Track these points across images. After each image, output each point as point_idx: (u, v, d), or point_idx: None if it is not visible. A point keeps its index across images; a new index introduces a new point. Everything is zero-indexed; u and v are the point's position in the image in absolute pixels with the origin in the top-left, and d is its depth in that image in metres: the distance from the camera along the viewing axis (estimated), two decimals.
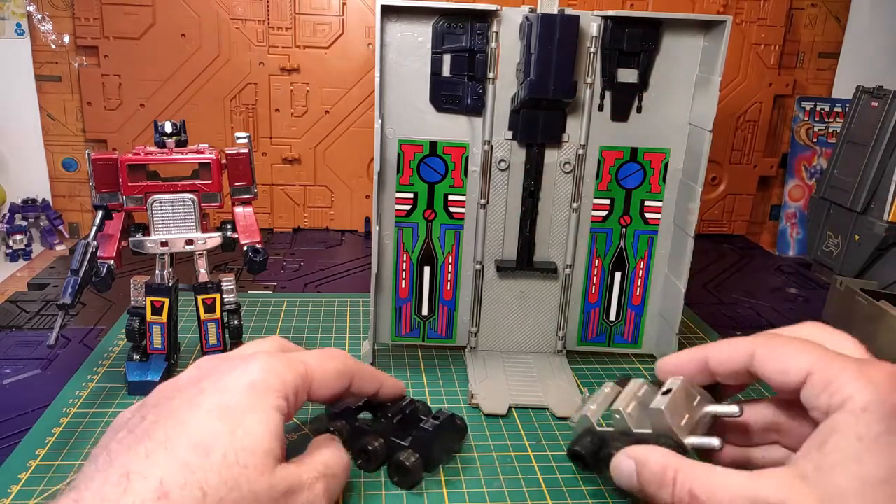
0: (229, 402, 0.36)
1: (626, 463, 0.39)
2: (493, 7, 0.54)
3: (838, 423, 0.31)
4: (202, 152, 0.54)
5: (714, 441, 0.39)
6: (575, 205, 0.60)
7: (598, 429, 0.45)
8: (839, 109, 1.06)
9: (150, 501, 0.31)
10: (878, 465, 0.30)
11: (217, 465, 0.33)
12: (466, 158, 0.59)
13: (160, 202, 0.54)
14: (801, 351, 0.35)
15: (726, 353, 0.39)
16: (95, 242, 0.50)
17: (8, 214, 0.97)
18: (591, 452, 0.45)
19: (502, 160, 0.59)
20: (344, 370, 0.43)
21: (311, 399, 0.41)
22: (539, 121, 0.57)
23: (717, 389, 0.43)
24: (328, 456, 0.40)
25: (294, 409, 0.39)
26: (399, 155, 0.58)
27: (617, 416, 0.43)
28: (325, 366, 0.41)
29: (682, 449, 0.39)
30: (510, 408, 0.55)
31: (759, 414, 0.41)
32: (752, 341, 0.38)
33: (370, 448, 0.46)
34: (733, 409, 0.40)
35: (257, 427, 0.35)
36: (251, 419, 0.36)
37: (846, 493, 0.29)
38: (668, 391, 0.40)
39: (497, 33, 0.55)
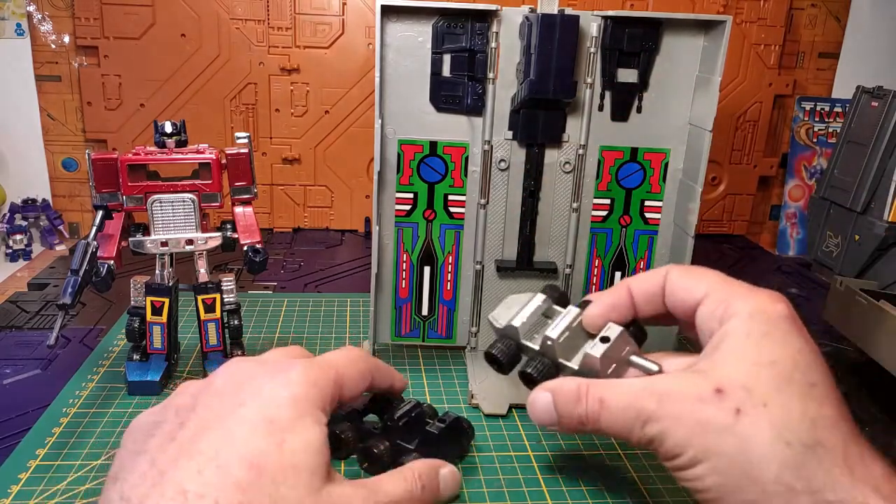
0: (273, 416, 0.35)
1: (542, 396, 0.41)
2: (493, 7, 0.54)
3: (728, 328, 0.36)
4: (202, 152, 0.54)
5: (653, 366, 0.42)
6: (575, 205, 0.60)
7: (523, 342, 0.45)
8: (839, 109, 1.06)
9: None
10: (764, 353, 0.35)
11: (268, 487, 0.32)
12: (466, 158, 0.59)
13: (160, 202, 0.54)
14: (704, 273, 0.40)
15: (644, 277, 0.43)
16: (95, 242, 0.50)
17: (8, 214, 0.97)
18: (509, 361, 0.46)
19: (502, 160, 0.59)
20: (366, 369, 0.42)
21: (341, 402, 0.40)
22: (539, 121, 0.57)
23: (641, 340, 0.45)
24: (390, 486, 0.38)
25: (330, 413, 0.39)
26: (399, 155, 0.58)
27: (549, 342, 0.43)
28: (350, 369, 0.41)
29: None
30: (510, 408, 0.55)
31: (675, 364, 0.43)
32: (665, 267, 0.43)
33: (375, 451, 0.45)
34: (653, 365, 0.42)
35: (303, 444, 0.34)
36: (297, 436, 0.34)
37: (735, 375, 0.34)
38: (606, 339, 0.42)
39: (497, 33, 0.55)
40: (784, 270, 0.95)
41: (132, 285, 0.56)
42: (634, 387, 0.38)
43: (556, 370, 0.43)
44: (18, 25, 0.95)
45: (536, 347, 0.44)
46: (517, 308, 0.46)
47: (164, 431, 0.35)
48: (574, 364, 0.43)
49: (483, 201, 0.59)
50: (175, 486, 0.31)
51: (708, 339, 0.38)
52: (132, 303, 0.56)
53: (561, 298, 0.47)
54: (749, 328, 0.36)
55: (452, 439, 0.47)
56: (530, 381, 0.43)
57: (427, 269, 0.61)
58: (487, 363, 0.47)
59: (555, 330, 0.44)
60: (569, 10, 0.53)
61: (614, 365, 0.42)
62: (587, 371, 0.42)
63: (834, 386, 0.36)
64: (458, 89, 0.57)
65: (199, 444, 0.33)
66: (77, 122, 0.99)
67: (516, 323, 0.45)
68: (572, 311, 0.45)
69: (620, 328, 0.43)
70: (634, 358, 0.43)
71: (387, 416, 0.47)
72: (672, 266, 0.43)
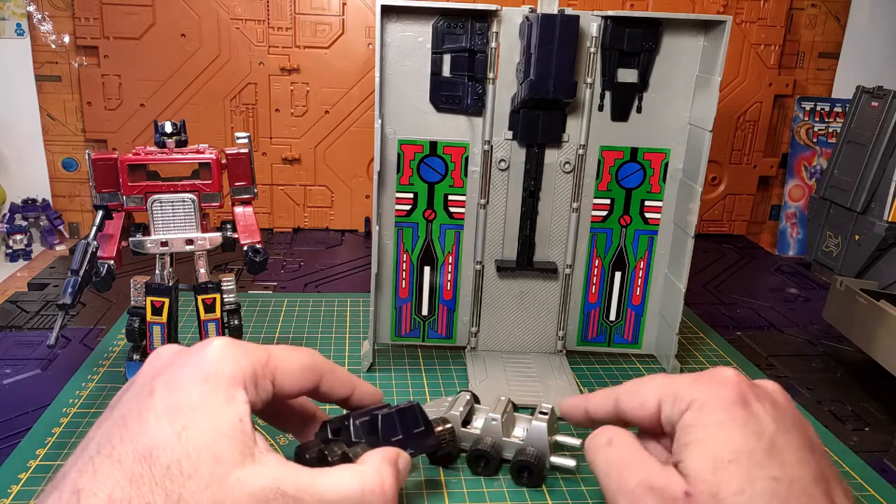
0: (179, 401, 0.33)
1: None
2: (493, 7, 0.54)
3: (686, 421, 0.36)
4: (202, 152, 0.54)
5: (570, 462, 0.47)
6: (575, 205, 0.60)
7: (462, 429, 0.49)
8: (839, 109, 1.06)
9: None
10: (724, 450, 0.34)
11: (161, 478, 0.31)
12: (466, 158, 0.59)
13: (160, 202, 0.53)
14: (649, 383, 0.40)
15: (597, 403, 0.43)
16: (95, 242, 0.50)
17: (8, 214, 0.97)
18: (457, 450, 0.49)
19: (502, 160, 0.59)
20: (311, 364, 0.39)
21: (277, 393, 0.38)
22: (539, 121, 0.57)
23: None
24: (336, 484, 0.34)
25: (260, 400, 0.36)
26: (399, 155, 0.58)
27: (493, 421, 0.48)
28: (289, 357, 0.39)
29: (541, 462, 0.47)
30: None
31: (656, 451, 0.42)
32: (613, 388, 0.42)
33: (307, 456, 0.40)
34: (575, 441, 0.48)
35: (206, 426, 0.32)
36: (200, 417, 0.32)
37: (702, 476, 0.33)
38: (545, 413, 0.48)
39: (497, 33, 0.55)
40: (784, 270, 0.95)
41: (132, 285, 0.56)
42: (631, 469, 0.37)
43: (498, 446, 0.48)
44: (18, 25, 0.95)
45: (476, 431, 0.49)
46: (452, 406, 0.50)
47: (84, 440, 0.34)
48: (518, 440, 0.48)
49: (483, 201, 0.59)
50: (70, 486, 0.31)
51: (675, 438, 0.37)
52: (132, 303, 0.56)
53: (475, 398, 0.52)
54: (702, 421, 0.35)
55: (406, 426, 0.42)
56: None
57: (427, 269, 0.61)
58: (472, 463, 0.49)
59: (496, 410, 0.49)
60: (569, 10, 0.53)
61: (549, 437, 0.47)
62: (532, 442, 0.47)
63: (802, 459, 0.34)
64: (458, 89, 0.57)
65: (103, 446, 0.32)
66: (77, 122, 0.99)
67: (448, 415, 0.49)
68: (501, 401, 0.50)
69: (552, 405, 0.49)
70: (559, 437, 0.48)
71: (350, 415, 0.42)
72: (619, 388, 0.41)
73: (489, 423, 0.48)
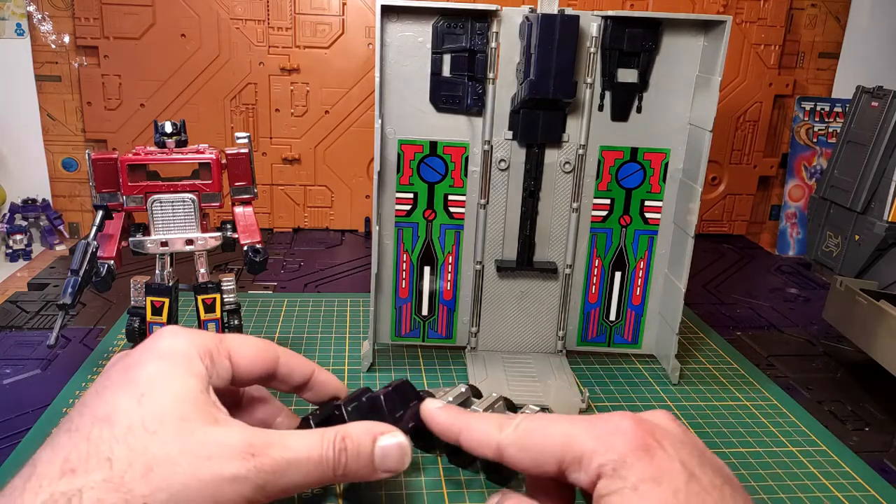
0: (135, 377, 0.34)
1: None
2: (493, 7, 0.54)
3: (601, 491, 0.31)
4: (202, 152, 0.54)
5: None
6: (575, 205, 0.60)
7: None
8: (839, 109, 1.06)
9: (55, 479, 0.30)
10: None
11: (122, 435, 0.31)
12: (466, 158, 0.59)
13: (160, 202, 0.54)
14: (540, 437, 0.34)
15: (475, 437, 0.36)
16: (95, 242, 0.50)
17: (8, 214, 0.97)
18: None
19: (502, 160, 0.59)
20: (265, 346, 0.40)
21: (236, 376, 0.38)
22: (539, 121, 0.57)
23: None
24: (295, 441, 0.34)
25: (218, 377, 0.36)
26: (399, 155, 0.58)
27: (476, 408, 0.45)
28: (243, 340, 0.39)
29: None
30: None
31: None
32: (494, 424, 0.36)
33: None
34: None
35: (166, 393, 0.33)
36: (159, 387, 0.33)
37: None
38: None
39: (497, 33, 0.55)
40: (784, 270, 0.95)
41: (132, 285, 0.56)
42: None
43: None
44: (18, 25, 0.95)
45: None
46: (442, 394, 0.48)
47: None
48: None
49: (483, 201, 0.59)
50: (30, 464, 0.31)
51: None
52: (132, 303, 0.56)
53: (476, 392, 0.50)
54: (621, 491, 0.31)
55: (404, 402, 0.41)
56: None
57: (427, 269, 0.61)
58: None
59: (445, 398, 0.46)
60: (569, 10, 0.53)
61: None
62: None
63: (722, 496, 0.31)
64: (458, 89, 0.57)
65: (62, 425, 0.33)
66: (77, 122, 0.99)
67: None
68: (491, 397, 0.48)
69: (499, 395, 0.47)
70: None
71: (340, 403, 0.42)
72: (508, 437, 0.35)
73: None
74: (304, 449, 0.34)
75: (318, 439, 0.35)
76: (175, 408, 0.33)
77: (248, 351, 0.39)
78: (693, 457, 0.32)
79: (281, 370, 0.41)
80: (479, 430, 0.36)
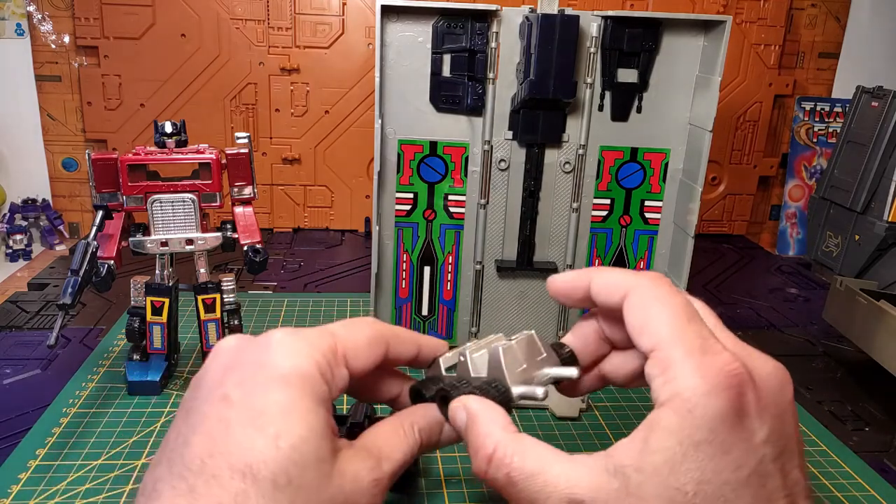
0: (262, 407, 0.31)
1: (461, 414, 0.37)
2: (493, 7, 0.54)
3: (663, 420, 0.30)
4: (202, 152, 0.54)
5: (538, 391, 0.37)
6: (575, 205, 0.60)
7: (444, 374, 0.41)
8: (839, 109, 1.06)
9: None
10: (688, 478, 0.29)
11: (269, 491, 0.29)
12: (466, 158, 0.59)
13: (160, 202, 0.54)
14: (660, 314, 0.33)
15: (606, 281, 0.36)
16: (95, 242, 0.50)
17: (8, 214, 0.97)
18: (431, 395, 0.40)
19: (502, 160, 0.59)
20: (375, 336, 0.37)
21: (351, 376, 0.36)
22: (539, 121, 0.57)
23: (570, 356, 0.40)
24: (390, 448, 0.35)
25: (337, 388, 0.35)
26: (399, 155, 0.58)
27: (462, 358, 0.40)
28: (353, 335, 0.36)
29: (507, 396, 0.37)
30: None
31: (590, 331, 0.39)
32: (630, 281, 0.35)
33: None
34: (572, 371, 0.38)
35: (302, 431, 0.31)
36: (294, 423, 0.31)
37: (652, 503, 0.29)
38: (511, 340, 0.39)
39: (497, 33, 0.55)
40: (784, 270, 0.95)
41: (132, 285, 0.56)
42: (554, 471, 0.32)
43: (468, 387, 0.39)
44: (18, 25, 0.95)
45: (453, 374, 0.41)
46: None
47: (168, 447, 0.32)
48: (484, 374, 0.39)
49: (483, 201, 0.59)
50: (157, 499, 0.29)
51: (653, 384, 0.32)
52: (132, 303, 0.56)
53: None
54: (683, 433, 0.29)
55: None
56: (418, 397, 0.41)
57: (427, 269, 0.61)
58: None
59: (469, 348, 0.40)
60: (569, 10, 0.53)
61: (525, 365, 0.39)
62: (494, 373, 0.39)
63: (783, 494, 0.30)
64: (458, 89, 0.57)
65: (190, 460, 0.30)
66: (77, 122, 0.99)
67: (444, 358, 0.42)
68: (523, 336, 0.41)
69: (532, 331, 0.40)
70: (549, 370, 0.39)
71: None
72: (632, 285, 0.35)
73: (461, 363, 0.40)
74: (408, 454, 0.36)
75: (400, 439, 0.37)
76: (313, 450, 0.31)
77: (362, 352, 0.37)
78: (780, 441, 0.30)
79: (390, 355, 0.39)
80: (609, 272, 0.36)
